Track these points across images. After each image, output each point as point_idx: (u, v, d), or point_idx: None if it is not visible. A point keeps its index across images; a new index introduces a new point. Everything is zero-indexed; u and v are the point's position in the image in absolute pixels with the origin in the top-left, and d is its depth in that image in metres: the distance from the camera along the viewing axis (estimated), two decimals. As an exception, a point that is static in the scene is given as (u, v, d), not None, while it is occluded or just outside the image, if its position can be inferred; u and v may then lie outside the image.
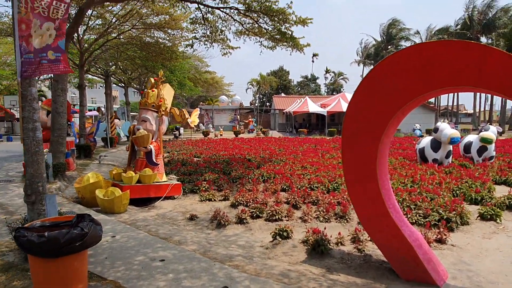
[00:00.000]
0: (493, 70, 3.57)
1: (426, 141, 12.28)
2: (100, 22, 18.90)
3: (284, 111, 41.47)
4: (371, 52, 57.44)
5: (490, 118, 44.41)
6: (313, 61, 72.28)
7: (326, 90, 71.11)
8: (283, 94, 57.46)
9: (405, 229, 4.41)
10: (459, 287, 4.26)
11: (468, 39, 37.38)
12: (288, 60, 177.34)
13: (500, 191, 8.39)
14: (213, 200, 8.18)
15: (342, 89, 66.22)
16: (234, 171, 10.88)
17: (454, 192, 8.07)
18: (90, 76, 27.03)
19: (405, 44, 50.98)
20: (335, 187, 8.61)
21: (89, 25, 17.93)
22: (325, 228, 5.60)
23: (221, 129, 35.72)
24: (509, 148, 16.50)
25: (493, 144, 12.15)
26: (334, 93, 61.61)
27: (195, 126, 11.82)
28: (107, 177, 9.04)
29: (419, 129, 31.20)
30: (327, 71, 71.13)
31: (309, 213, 6.76)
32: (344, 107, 31.68)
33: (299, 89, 69.41)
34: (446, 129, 11.44)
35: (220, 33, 14.13)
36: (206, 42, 14.41)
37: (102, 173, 10.51)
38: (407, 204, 6.87)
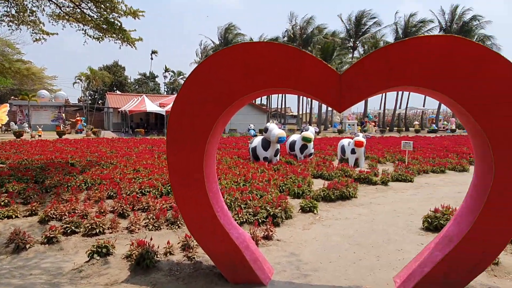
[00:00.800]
0: (307, 73, 3.71)
1: (257, 140, 13.04)
2: None
3: (119, 110, 38.57)
4: (210, 54, 59.14)
5: (310, 120, 51.63)
6: (152, 58, 69.58)
7: (166, 89, 69.92)
8: (118, 92, 53.63)
9: (233, 232, 4.27)
10: (282, 282, 4.36)
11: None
12: (125, 55, 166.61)
13: (317, 184, 9.47)
14: (14, 217, 6.55)
15: (182, 89, 66.17)
16: (50, 178, 9.15)
17: (280, 188, 8.66)
18: None
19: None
20: (169, 190, 8.11)
21: None
22: (151, 239, 5.04)
23: (40, 129, 30.45)
24: (324, 145, 19.29)
25: (312, 143, 13.84)
26: (174, 92, 61.08)
27: (3, 125, 9.47)
28: None
29: (253, 129, 33.68)
30: (166, 70, 69.92)
31: (137, 221, 6.08)
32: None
33: (137, 87, 66.10)
34: (274, 129, 12.38)
35: (31, 14, 11.78)
36: (11, 24, 11.80)
37: None
38: (239, 203, 6.93)
